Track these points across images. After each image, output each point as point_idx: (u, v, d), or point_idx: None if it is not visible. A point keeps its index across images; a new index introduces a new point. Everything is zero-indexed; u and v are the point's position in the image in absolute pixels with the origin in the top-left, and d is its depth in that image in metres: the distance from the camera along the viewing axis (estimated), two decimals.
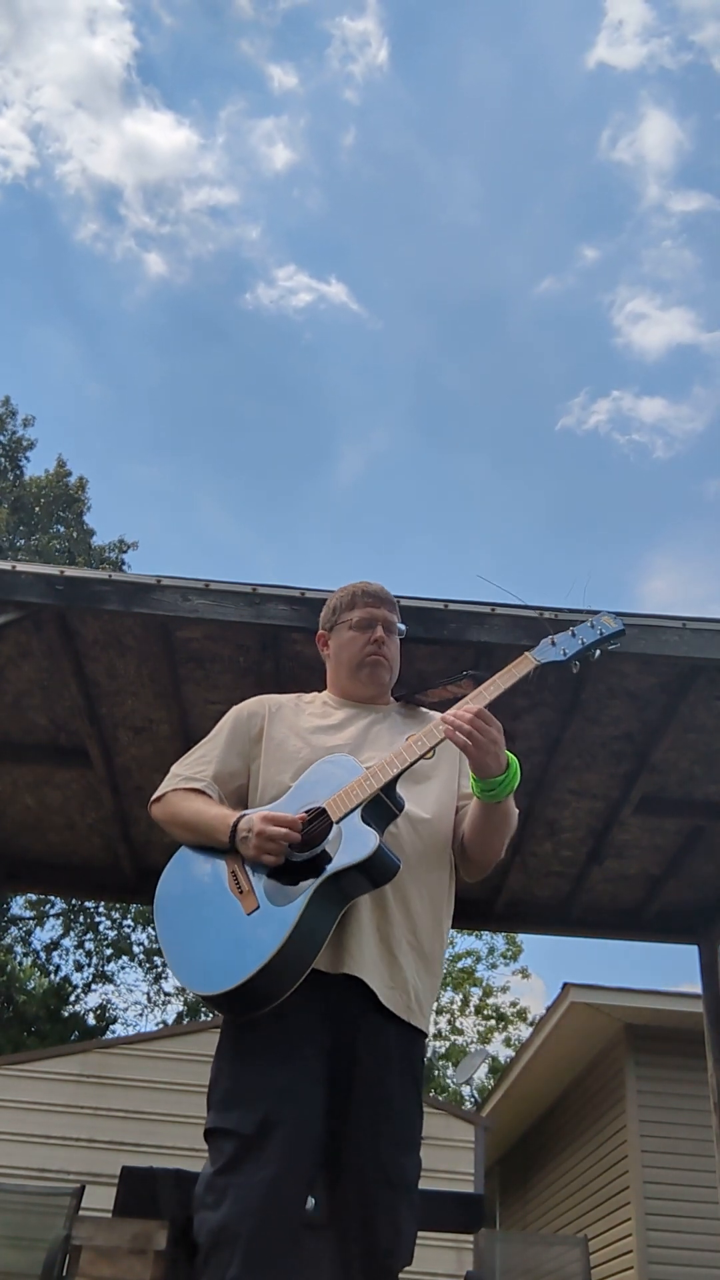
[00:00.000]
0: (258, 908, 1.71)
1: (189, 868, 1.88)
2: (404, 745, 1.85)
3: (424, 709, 2.16)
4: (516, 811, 1.96)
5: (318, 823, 1.78)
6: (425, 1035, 1.86)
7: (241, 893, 1.75)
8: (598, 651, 1.98)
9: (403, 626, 2.20)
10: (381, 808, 1.79)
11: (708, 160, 38.56)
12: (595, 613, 2.01)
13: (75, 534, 21.16)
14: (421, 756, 1.83)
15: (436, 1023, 21.56)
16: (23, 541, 20.31)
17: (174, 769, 2.06)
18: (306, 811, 1.81)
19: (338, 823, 1.76)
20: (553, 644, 1.98)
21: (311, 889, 1.68)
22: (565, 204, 39.58)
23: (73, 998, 19.08)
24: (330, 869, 1.70)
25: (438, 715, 1.92)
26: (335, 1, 36.07)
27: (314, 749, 1.97)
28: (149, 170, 34.74)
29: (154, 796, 2.04)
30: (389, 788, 1.79)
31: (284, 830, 1.75)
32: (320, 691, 2.23)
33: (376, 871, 1.73)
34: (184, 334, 38.87)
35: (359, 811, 1.76)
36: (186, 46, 36.53)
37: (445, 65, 38.75)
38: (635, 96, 37.05)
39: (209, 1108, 1.70)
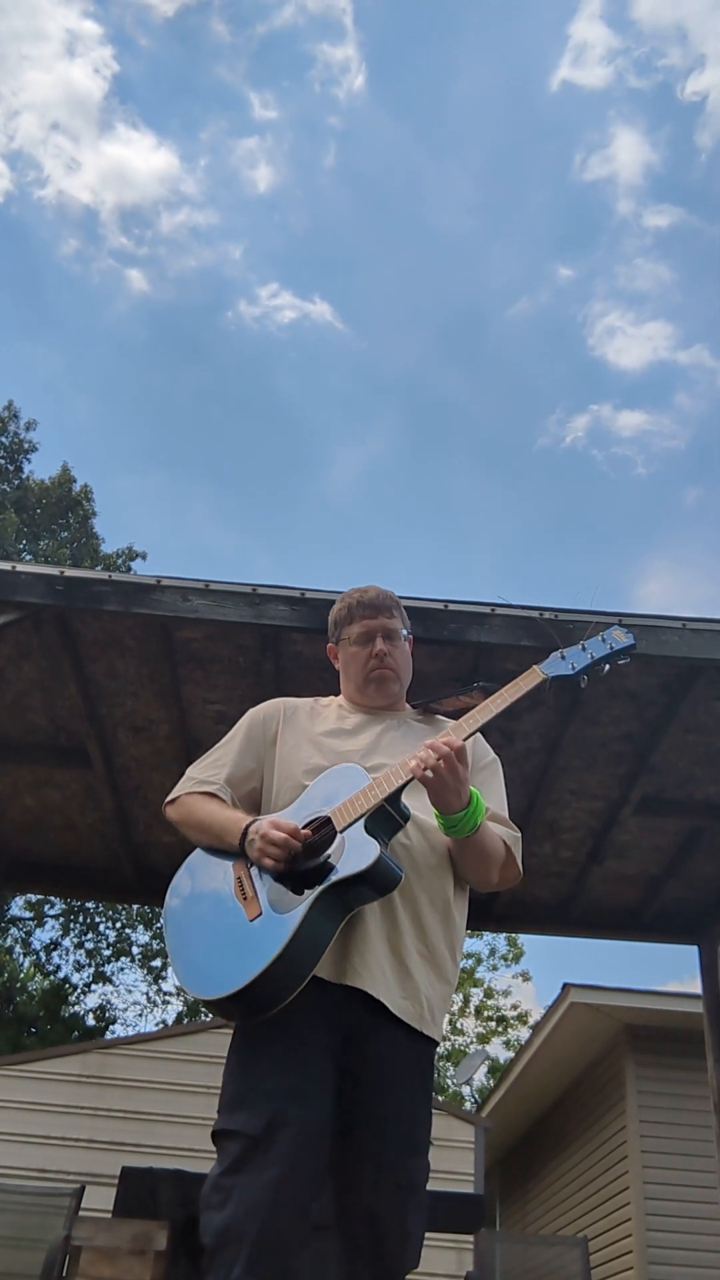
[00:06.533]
0: (260, 914, 1.72)
1: (198, 872, 1.90)
2: (406, 761, 1.83)
3: (440, 716, 2.14)
4: (499, 843, 1.93)
5: (323, 832, 1.79)
6: (436, 1044, 1.86)
7: (246, 899, 1.76)
8: (607, 666, 1.95)
9: (405, 631, 2.16)
10: (386, 818, 1.79)
11: (678, 176, 39.06)
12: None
13: (82, 539, 21.13)
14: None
15: None
16: (25, 544, 20.29)
17: (189, 771, 2.07)
18: (312, 820, 1.81)
19: (341, 832, 1.76)
20: (562, 657, 1.94)
21: (312, 897, 1.69)
22: (541, 222, 40.15)
23: (72, 998, 19.09)
24: (331, 878, 1.70)
25: (453, 723, 1.91)
26: (313, 28, 36.39)
27: (326, 754, 1.97)
28: (129, 192, 34.89)
29: (169, 798, 2.05)
30: (393, 798, 1.79)
31: (284, 835, 1.76)
32: (335, 695, 2.22)
33: (378, 882, 1.73)
34: (167, 350, 39.20)
35: (363, 822, 1.76)
36: (165, 70, 36.90)
37: (424, 90, 39.49)
38: (604, 116, 37.61)
39: (218, 1110, 1.71)
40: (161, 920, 2.01)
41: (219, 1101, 1.72)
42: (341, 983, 1.74)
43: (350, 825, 1.76)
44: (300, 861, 1.76)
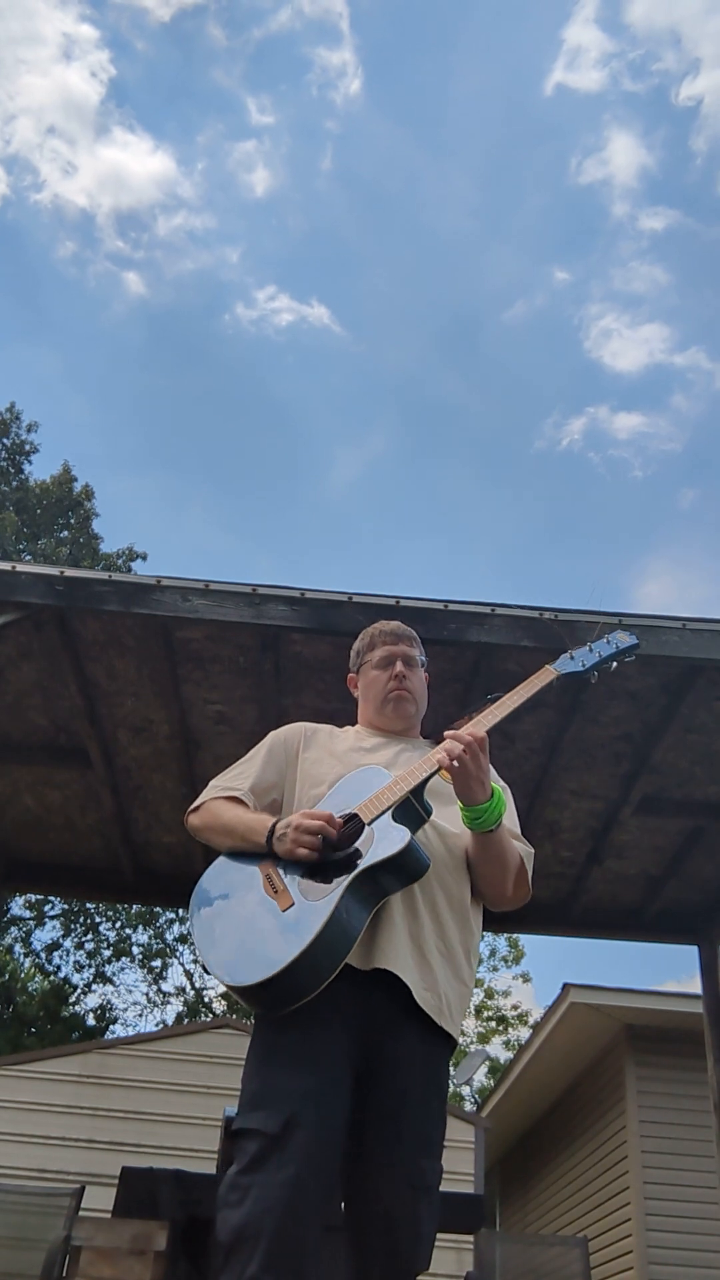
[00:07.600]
0: (293, 904, 1.75)
1: (225, 871, 1.93)
2: (431, 754, 1.91)
3: None
4: (517, 853, 1.98)
5: (350, 825, 1.84)
6: (454, 1044, 1.88)
7: (276, 892, 1.79)
8: (614, 664, 2.10)
9: (423, 660, 2.29)
10: (411, 811, 1.85)
11: (674, 179, 39.27)
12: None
13: (81, 538, 21.13)
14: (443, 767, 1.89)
15: None
16: (25, 545, 20.29)
17: (212, 782, 2.13)
18: (341, 816, 1.85)
19: (370, 824, 1.81)
20: (571, 657, 2.09)
21: (345, 884, 1.72)
22: (538, 225, 40.37)
23: (73, 998, 19.07)
24: (363, 864, 1.75)
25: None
26: (309, 32, 36.29)
27: (346, 766, 2.03)
28: (126, 195, 34.91)
29: (192, 806, 2.09)
30: (418, 791, 1.85)
31: (320, 823, 1.80)
32: (351, 725, 2.29)
33: (407, 867, 1.78)
34: (165, 353, 39.26)
35: (390, 813, 1.82)
36: (161, 74, 36.94)
37: (420, 93, 39.64)
38: (599, 119, 37.83)
39: (238, 1109, 1.72)
40: (189, 920, 2.05)
41: (239, 1100, 1.74)
42: (370, 967, 1.77)
43: (378, 817, 1.81)
44: (330, 854, 1.79)
